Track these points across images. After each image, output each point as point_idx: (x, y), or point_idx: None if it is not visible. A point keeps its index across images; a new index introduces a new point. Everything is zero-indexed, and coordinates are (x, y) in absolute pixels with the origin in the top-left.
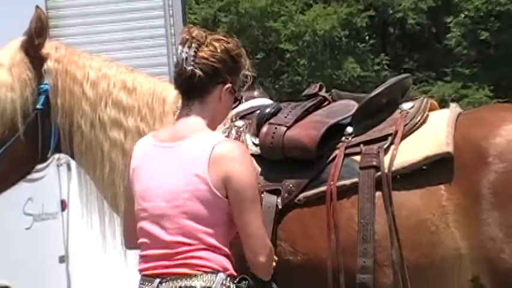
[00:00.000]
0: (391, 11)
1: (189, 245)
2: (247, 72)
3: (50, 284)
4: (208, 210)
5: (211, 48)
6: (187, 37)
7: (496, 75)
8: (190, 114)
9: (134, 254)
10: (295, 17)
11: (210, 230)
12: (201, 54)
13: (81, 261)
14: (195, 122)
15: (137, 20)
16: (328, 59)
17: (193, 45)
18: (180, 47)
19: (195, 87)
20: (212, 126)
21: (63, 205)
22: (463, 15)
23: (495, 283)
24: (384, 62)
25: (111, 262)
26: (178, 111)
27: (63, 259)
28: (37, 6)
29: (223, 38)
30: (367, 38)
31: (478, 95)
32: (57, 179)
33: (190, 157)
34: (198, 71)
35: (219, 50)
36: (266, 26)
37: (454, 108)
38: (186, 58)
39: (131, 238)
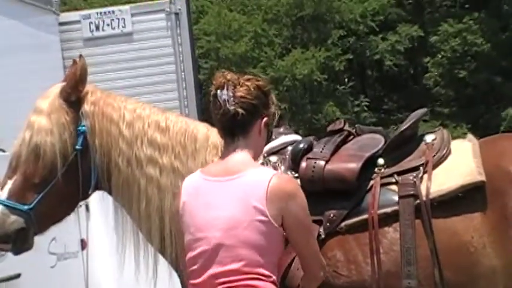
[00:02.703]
0: (368, 53)
1: (243, 273)
2: (275, 108)
3: None
4: (263, 240)
5: (245, 87)
6: (223, 81)
7: (474, 113)
8: (236, 150)
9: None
10: (275, 62)
11: (263, 259)
12: (238, 94)
13: None
14: (244, 157)
15: (149, 66)
16: (308, 103)
17: (229, 87)
18: (218, 91)
19: (238, 125)
20: (255, 159)
21: (83, 244)
22: (440, 56)
23: None
24: (363, 103)
25: None
26: (223, 149)
27: None
28: (80, 55)
29: (253, 77)
30: (346, 80)
31: (456, 133)
32: (77, 219)
33: (247, 190)
34: (239, 110)
35: (252, 88)
36: (246, 72)
37: (472, 139)
38: (227, 99)
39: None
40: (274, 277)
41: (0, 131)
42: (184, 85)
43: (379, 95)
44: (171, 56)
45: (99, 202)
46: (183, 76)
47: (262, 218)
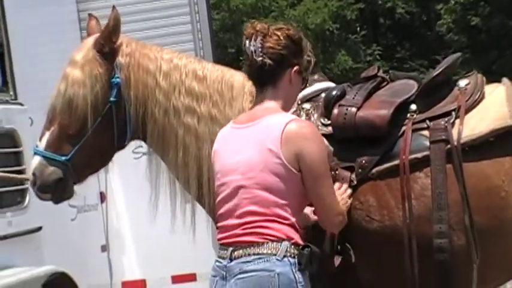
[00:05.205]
0: (380, 2)
1: (260, 214)
2: (309, 56)
3: (94, 271)
4: (280, 182)
5: (274, 37)
6: (252, 31)
7: (487, 60)
8: (265, 100)
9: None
10: (286, 12)
11: (279, 201)
12: (267, 44)
13: (121, 250)
14: (270, 105)
15: (165, 17)
16: (320, 52)
17: (258, 37)
18: (246, 42)
19: (266, 75)
20: (286, 108)
21: (102, 197)
22: (453, 2)
23: None
24: (376, 52)
25: (149, 250)
26: (254, 99)
27: (104, 248)
28: (113, 7)
29: (284, 26)
30: (358, 29)
31: None
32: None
33: (264, 133)
34: (267, 60)
35: (281, 38)
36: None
37: (507, 83)
38: (255, 50)
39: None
40: (293, 219)
41: (20, 85)
42: (200, 36)
43: (391, 43)
44: (186, 7)
45: (117, 155)
46: (198, 27)
47: (277, 160)
